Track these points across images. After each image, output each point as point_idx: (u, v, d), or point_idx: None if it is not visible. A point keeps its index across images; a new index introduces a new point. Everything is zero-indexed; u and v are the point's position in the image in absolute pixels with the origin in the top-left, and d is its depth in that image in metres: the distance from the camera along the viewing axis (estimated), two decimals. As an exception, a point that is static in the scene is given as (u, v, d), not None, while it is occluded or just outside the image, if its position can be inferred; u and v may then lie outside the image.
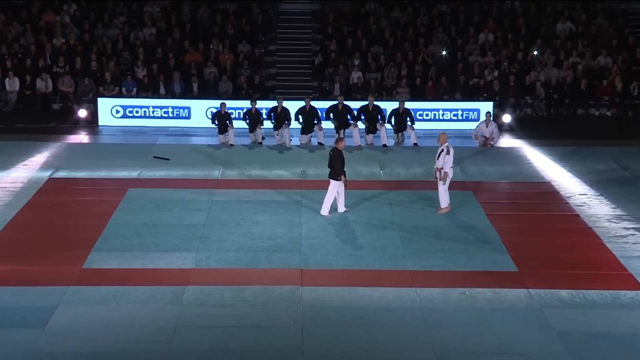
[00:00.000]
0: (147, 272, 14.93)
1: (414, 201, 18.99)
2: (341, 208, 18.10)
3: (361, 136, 24.38)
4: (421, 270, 15.15)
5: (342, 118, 24.60)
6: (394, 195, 19.53)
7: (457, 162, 21.77)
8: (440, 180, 18.01)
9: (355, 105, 25.09)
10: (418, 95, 27.98)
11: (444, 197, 18.11)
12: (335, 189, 17.80)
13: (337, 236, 16.79)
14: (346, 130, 24.51)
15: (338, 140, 18.28)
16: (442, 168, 17.96)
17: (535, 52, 29.68)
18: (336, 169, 17.71)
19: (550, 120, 27.83)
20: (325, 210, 17.89)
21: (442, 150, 17.98)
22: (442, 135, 18.25)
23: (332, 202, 17.99)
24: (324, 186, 18.68)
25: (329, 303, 13.77)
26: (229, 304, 13.68)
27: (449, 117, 26.75)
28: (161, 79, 27.88)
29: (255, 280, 14.58)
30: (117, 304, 13.64)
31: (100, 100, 26.62)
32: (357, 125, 24.42)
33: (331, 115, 24.70)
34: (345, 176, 17.73)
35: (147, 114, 26.59)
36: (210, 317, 13.21)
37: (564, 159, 22.90)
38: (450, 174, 18.00)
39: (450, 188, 18.24)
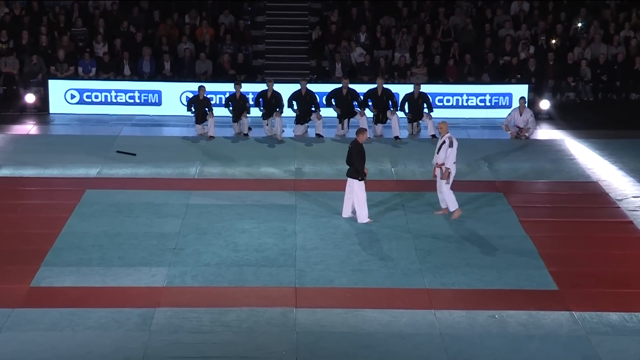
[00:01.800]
0: (109, 291, 14.92)
1: (431, 205, 18.99)
2: (347, 212, 18.13)
3: (369, 126, 24.38)
4: (441, 289, 15.16)
5: (346, 105, 24.60)
6: (408, 197, 19.54)
7: (484, 157, 21.88)
8: (441, 178, 18.06)
9: (361, 89, 25.11)
10: (437, 76, 28.02)
11: (450, 198, 18.12)
12: (363, 188, 17.79)
13: (339, 247, 16.79)
14: (351, 119, 24.54)
15: (359, 131, 18.23)
16: (443, 164, 18.03)
17: (580, 25, 29.70)
18: (356, 165, 17.72)
19: (597, 106, 27.85)
20: (363, 217, 17.89)
21: (444, 142, 18.04)
22: (443, 124, 18.34)
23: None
24: (323, 187, 18.71)
25: (330, 328, 13.78)
26: (208, 329, 13.68)
27: (474, 104, 26.78)
28: (126, 57, 27.90)
29: (240, 301, 14.58)
30: (72, 329, 13.63)
31: (51, 83, 26.64)
32: (364, 114, 24.43)
33: (333, 101, 24.70)
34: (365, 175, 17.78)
35: (109, 100, 26.61)
36: (186, 346, 13.21)
37: (614, 153, 22.94)
38: (453, 171, 18.04)
39: (476, 189, 18.24)
